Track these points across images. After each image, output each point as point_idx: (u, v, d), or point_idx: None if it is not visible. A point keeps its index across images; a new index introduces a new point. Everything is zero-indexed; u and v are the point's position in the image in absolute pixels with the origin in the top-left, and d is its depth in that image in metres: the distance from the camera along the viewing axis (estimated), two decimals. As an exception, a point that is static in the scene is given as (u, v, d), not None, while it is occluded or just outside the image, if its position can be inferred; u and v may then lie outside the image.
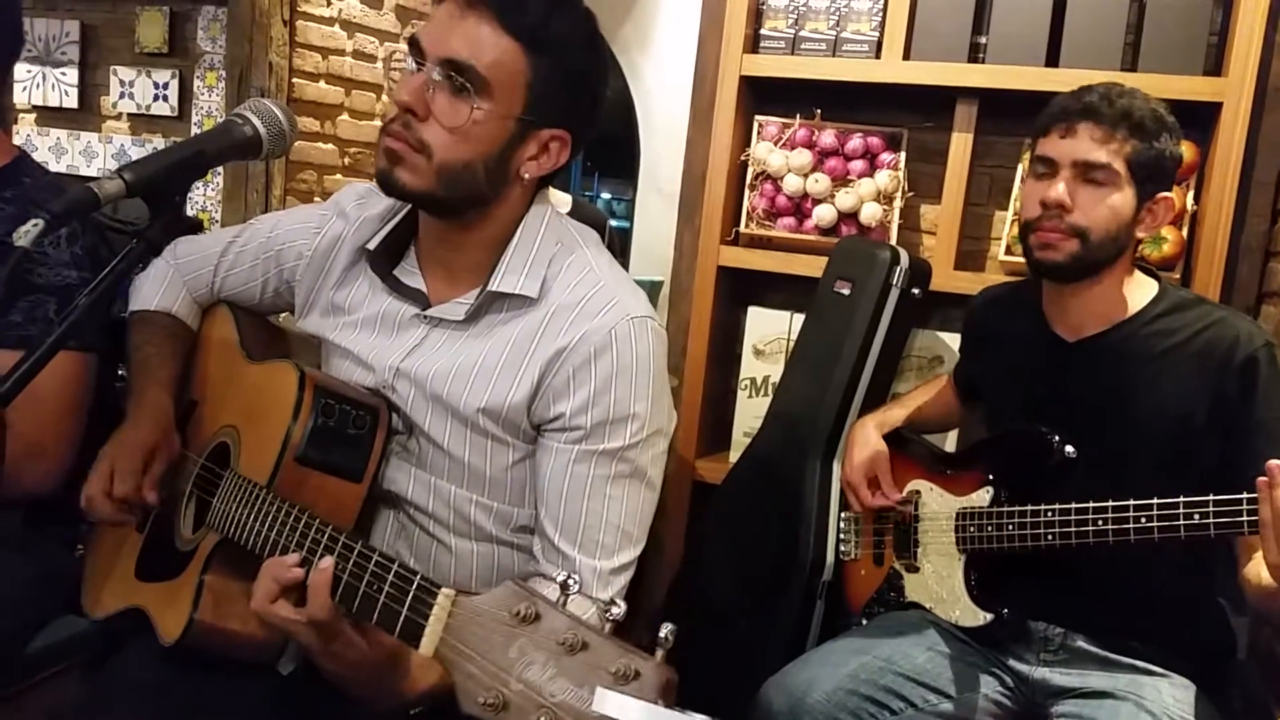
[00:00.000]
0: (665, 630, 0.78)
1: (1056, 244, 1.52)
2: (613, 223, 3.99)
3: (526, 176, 1.25)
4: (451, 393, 1.25)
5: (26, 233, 0.97)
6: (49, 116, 3.37)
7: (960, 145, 2.23)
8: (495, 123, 1.18)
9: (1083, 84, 1.56)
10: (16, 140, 3.41)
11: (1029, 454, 1.59)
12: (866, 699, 1.57)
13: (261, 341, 1.45)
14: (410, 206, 1.35)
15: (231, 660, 1.21)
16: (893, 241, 2.25)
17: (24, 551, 1.52)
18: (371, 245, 1.34)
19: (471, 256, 1.29)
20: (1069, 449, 1.54)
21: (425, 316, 1.30)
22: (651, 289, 4.70)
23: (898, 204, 2.29)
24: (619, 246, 3.70)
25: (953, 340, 2.20)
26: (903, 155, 2.30)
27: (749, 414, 2.39)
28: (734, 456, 2.37)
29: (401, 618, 0.93)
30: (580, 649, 0.79)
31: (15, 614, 1.52)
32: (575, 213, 3.14)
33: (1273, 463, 1.26)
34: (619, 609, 0.83)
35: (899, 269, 2.10)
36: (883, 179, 2.29)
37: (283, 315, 1.57)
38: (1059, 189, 1.51)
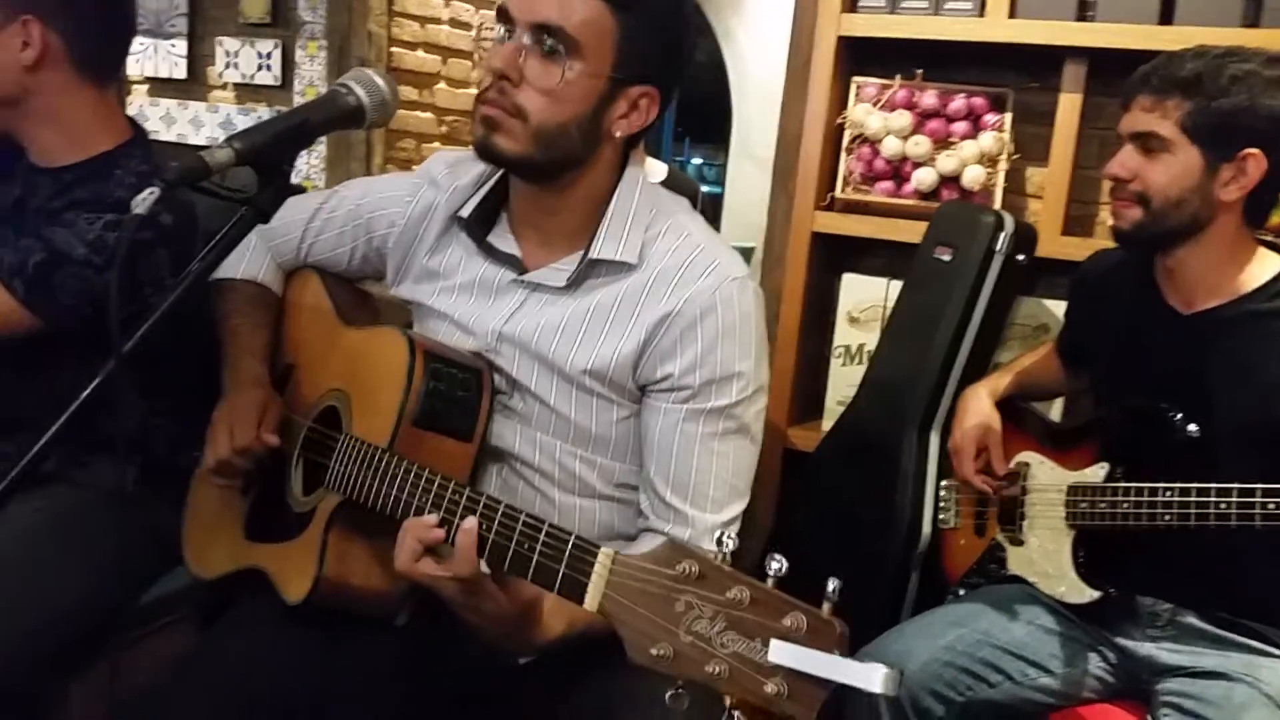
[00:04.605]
0: (832, 585, 0.79)
1: (1121, 212, 1.53)
2: (703, 188, 3.97)
3: (618, 135, 1.26)
4: (556, 353, 1.28)
5: (143, 200, 1.01)
6: (159, 87, 3.48)
7: (1068, 106, 2.15)
8: (586, 82, 1.21)
9: (1197, 43, 1.51)
10: (130, 111, 3.53)
11: (1148, 430, 1.53)
12: (963, 671, 1.56)
13: (353, 306, 1.49)
14: (502, 172, 1.36)
15: (348, 614, 1.25)
16: (997, 206, 2.19)
17: (137, 508, 1.59)
18: (465, 212, 1.36)
19: (566, 221, 1.31)
20: (1191, 427, 1.48)
21: (523, 281, 1.32)
22: (743, 256, 4.67)
23: (1002, 167, 2.22)
24: (710, 213, 3.68)
25: (1059, 308, 2.13)
26: (1008, 116, 2.23)
27: (843, 382, 2.36)
28: (827, 425, 2.34)
29: (560, 574, 0.97)
30: (747, 604, 0.81)
31: (130, 567, 1.60)
32: (669, 182, 3.14)
33: None
34: (731, 543, 0.85)
35: (1003, 234, 2.04)
36: (986, 141, 2.22)
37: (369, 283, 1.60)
38: (1114, 164, 1.52)
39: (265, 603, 1.27)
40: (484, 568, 1.05)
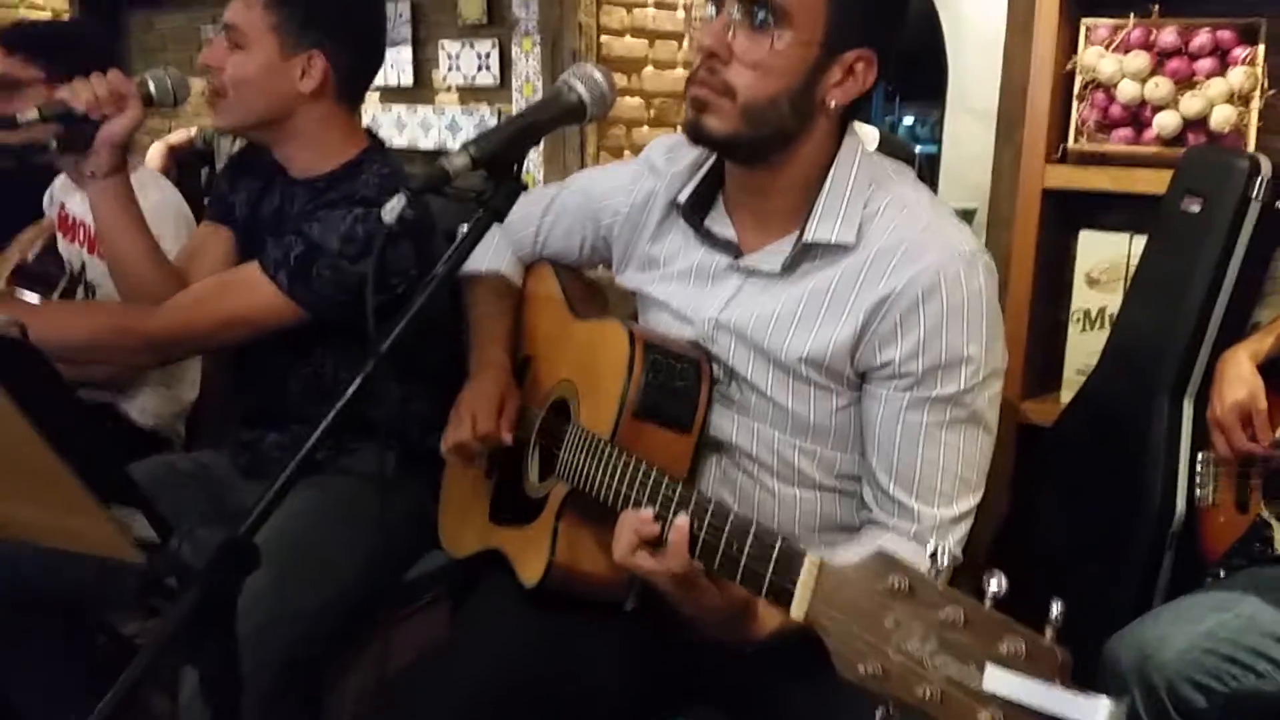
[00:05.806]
0: (1056, 609, 0.74)
1: None
2: (917, 148, 3.82)
3: (833, 104, 1.23)
4: (772, 342, 1.26)
5: (391, 209, 1.08)
6: (390, 95, 3.68)
7: (1336, 31, 1.95)
8: (797, 51, 1.18)
9: None
10: (365, 119, 3.75)
11: None
12: (1227, 659, 1.44)
13: (583, 297, 1.54)
14: (717, 156, 1.36)
15: (581, 598, 1.30)
16: (1250, 148, 2.00)
17: (397, 491, 1.72)
18: (681, 198, 1.37)
19: (780, 202, 1.29)
20: None
21: (739, 267, 1.31)
22: (963, 218, 4.47)
23: (1255, 105, 2.02)
24: (926, 174, 3.55)
25: (1328, 258, 1.94)
26: (1260, 49, 2.03)
27: (1083, 349, 2.23)
28: (1066, 396, 2.22)
29: (767, 580, 0.96)
30: (962, 625, 0.77)
31: (394, 547, 1.74)
32: (883, 148, 3.06)
33: None
34: (946, 558, 0.80)
35: (1260, 179, 1.87)
36: (1236, 77, 2.04)
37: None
38: None
39: (508, 584, 1.34)
40: (698, 563, 1.06)
